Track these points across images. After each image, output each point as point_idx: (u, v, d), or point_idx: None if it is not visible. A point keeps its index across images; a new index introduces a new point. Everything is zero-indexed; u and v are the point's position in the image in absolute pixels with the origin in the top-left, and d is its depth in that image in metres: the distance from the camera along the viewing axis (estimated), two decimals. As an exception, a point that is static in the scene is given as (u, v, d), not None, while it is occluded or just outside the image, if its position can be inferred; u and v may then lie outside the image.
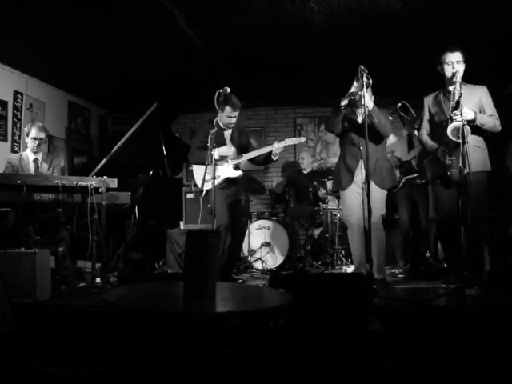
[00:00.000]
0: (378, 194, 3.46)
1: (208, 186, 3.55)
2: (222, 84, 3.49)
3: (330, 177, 4.91)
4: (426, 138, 3.48)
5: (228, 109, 3.64)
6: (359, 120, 3.49)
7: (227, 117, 3.68)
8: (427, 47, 3.94)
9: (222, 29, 3.90)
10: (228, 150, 3.72)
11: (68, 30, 3.84)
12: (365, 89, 3.12)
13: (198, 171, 3.79)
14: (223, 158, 3.74)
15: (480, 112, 3.21)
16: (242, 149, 3.89)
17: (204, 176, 3.49)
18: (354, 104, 3.41)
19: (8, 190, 3.29)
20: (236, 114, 3.72)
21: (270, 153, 3.76)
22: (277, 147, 3.72)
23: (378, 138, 3.46)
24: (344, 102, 3.32)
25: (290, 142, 3.79)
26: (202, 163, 3.58)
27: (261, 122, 6.50)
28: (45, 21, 3.66)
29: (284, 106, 6.39)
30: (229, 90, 3.44)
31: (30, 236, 3.54)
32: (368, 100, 3.28)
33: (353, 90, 3.22)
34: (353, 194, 3.51)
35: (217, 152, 3.57)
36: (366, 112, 3.28)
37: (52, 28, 3.78)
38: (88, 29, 3.85)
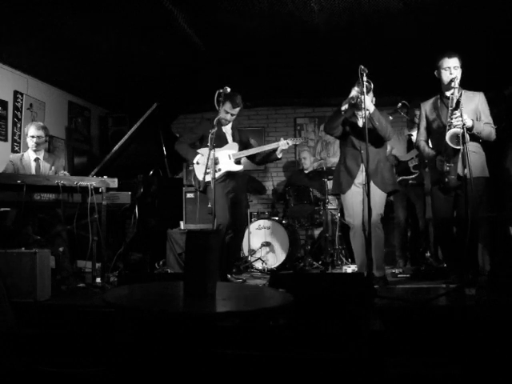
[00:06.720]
0: (378, 195, 3.45)
1: (209, 177, 3.55)
2: (222, 84, 3.50)
3: (330, 177, 4.91)
4: (423, 144, 3.45)
5: (228, 104, 3.72)
6: (360, 123, 3.48)
7: (225, 112, 3.75)
8: (427, 47, 3.95)
9: (222, 29, 3.90)
10: (227, 159, 3.79)
11: (68, 29, 3.83)
12: (365, 93, 3.13)
13: (198, 168, 3.77)
14: (220, 158, 3.74)
15: (476, 119, 3.20)
16: (243, 145, 3.93)
17: (205, 169, 3.52)
18: (355, 107, 3.40)
19: (8, 190, 3.28)
20: (235, 112, 3.79)
21: (274, 150, 3.82)
22: (282, 144, 3.79)
23: (379, 141, 3.47)
24: (344, 107, 3.32)
25: (292, 142, 3.87)
26: (185, 158, 3.84)
27: (261, 122, 6.50)
28: (45, 21, 3.65)
29: (284, 106, 6.38)
30: (229, 89, 3.45)
31: (29, 236, 3.55)
32: (369, 103, 3.27)
33: (353, 93, 3.23)
34: (354, 196, 3.49)
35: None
36: (367, 115, 3.29)
37: (52, 28, 3.78)
38: (88, 29, 3.84)
